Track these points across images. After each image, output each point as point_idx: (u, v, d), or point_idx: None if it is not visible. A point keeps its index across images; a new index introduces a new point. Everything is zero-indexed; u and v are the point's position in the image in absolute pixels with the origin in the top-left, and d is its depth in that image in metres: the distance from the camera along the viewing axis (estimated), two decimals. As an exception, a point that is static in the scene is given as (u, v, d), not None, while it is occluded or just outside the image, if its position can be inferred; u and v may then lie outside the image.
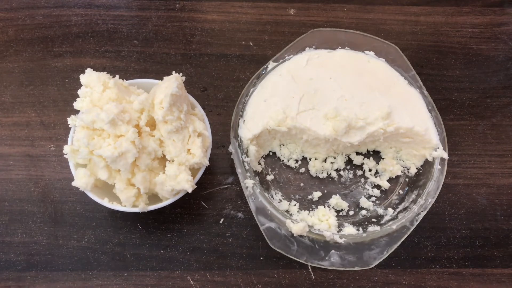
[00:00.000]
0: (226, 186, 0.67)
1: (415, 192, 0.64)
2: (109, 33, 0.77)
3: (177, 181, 0.54)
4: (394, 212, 0.64)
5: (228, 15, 0.80)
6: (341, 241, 0.58)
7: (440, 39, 0.81)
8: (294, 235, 0.58)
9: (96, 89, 0.55)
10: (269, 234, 0.58)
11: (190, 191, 0.55)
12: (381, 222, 0.62)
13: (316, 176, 0.68)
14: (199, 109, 0.62)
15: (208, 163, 0.58)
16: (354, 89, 0.65)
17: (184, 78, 0.59)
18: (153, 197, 0.59)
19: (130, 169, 0.54)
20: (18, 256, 0.62)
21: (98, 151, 0.52)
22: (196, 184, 0.57)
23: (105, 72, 0.57)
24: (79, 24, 0.77)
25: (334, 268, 0.57)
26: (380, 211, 0.65)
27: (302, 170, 0.68)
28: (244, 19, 0.80)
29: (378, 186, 0.67)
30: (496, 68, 0.79)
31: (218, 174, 0.68)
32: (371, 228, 0.61)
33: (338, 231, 0.61)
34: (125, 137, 0.52)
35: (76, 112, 0.57)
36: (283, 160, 0.69)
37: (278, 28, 0.79)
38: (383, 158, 0.69)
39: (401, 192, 0.67)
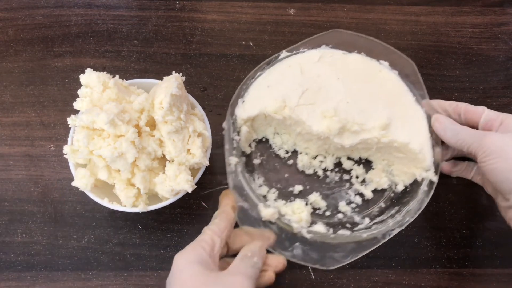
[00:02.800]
0: (226, 186, 0.67)
1: (396, 208, 0.64)
2: (109, 33, 0.77)
3: (177, 181, 0.54)
4: (370, 222, 0.63)
5: (228, 15, 0.80)
6: (308, 236, 0.59)
7: (440, 39, 0.81)
8: (263, 220, 0.59)
9: (96, 89, 0.55)
10: (240, 214, 0.59)
11: (190, 191, 0.55)
12: (354, 229, 0.62)
13: (302, 171, 0.68)
14: (199, 109, 0.62)
15: (208, 163, 0.58)
16: (359, 95, 0.65)
17: (184, 78, 0.59)
18: (153, 197, 0.59)
19: (130, 169, 0.54)
20: (18, 256, 0.62)
21: (98, 151, 0.52)
22: (196, 184, 0.57)
23: (105, 72, 0.57)
24: (79, 24, 0.77)
25: (294, 260, 0.57)
26: (357, 218, 0.64)
27: (290, 162, 0.69)
28: (244, 19, 0.80)
29: (361, 195, 0.67)
30: (496, 68, 0.79)
31: (218, 174, 0.68)
32: (341, 232, 0.61)
33: (308, 227, 0.61)
34: (125, 137, 0.52)
35: (76, 112, 0.57)
36: (274, 148, 0.69)
37: (278, 28, 0.79)
38: (373, 169, 0.68)
39: (383, 205, 0.66)
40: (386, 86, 0.67)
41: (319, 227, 0.61)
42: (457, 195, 0.69)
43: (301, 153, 0.69)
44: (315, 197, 0.65)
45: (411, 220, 0.60)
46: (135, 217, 0.65)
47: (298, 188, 0.67)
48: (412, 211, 0.61)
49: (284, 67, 0.68)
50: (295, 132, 0.66)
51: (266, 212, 0.59)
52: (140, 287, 0.62)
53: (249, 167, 0.67)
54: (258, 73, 0.68)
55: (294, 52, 0.70)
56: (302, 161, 0.68)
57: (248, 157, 0.68)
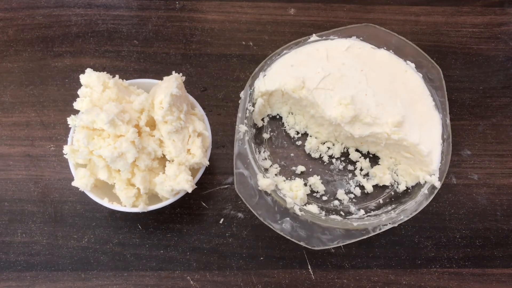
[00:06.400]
0: (226, 186, 0.67)
1: (393, 205, 0.64)
2: (109, 33, 0.77)
3: (177, 181, 0.54)
4: (364, 214, 0.64)
5: (228, 15, 0.80)
6: (300, 213, 0.60)
7: (440, 39, 0.81)
8: (260, 189, 0.60)
9: (96, 89, 0.55)
10: (239, 179, 0.60)
11: (190, 191, 0.55)
12: (347, 217, 0.63)
13: (308, 153, 0.69)
14: (199, 109, 0.62)
15: (208, 163, 0.58)
16: (379, 90, 0.66)
17: (184, 78, 0.59)
18: (153, 197, 0.59)
19: (130, 169, 0.54)
20: (18, 256, 0.62)
21: (98, 151, 0.52)
22: (196, 184, 0.57)
23: (105, 72, 0.57)
24: (79, 24, 0.77)
25: (282, 234, 0.59)
26: (352, 209, 0.65)
27: (299, 143, 0.70)
28: (244, 19, 0.80)
29: (362, 187, 0.67)
30: (496, 68, 0.79)
31: (218, 174, 0.68)
32: (333, 216, 0.62)
33: (302, 205, 0.62)
34: (125, 137, 0.52)
35: (76, 112, 0.57)
36: (285, 127, 0.71)
37: (278, 28, 0.79)
38: (379, 164, 0.69)
39: (381, 202, 0.66)
40: (409, 87, 0.67)
41: (312, 208, 0.62)
42: (457, 195, 0.69)
43: (311, 136, 0.70)
44: (315, 180, 0.66)
45: (406, 219, 0.60)
46: (135, 217, 0.65)
47: (300, 168, 0.68)
48: (408, 211, 0.61)
49: (311, 50, 0.69)
50: (309, 114, 0.68)
51: (264, 181, 0.60)
52: (140, 287, 0.62)
53: (257, 139, 0.69)
54: (285, 52, 0.69)
55: (324, 38, 0.71)
56: (310, 144, 0.69)
57: (259, 131, 0.70)
